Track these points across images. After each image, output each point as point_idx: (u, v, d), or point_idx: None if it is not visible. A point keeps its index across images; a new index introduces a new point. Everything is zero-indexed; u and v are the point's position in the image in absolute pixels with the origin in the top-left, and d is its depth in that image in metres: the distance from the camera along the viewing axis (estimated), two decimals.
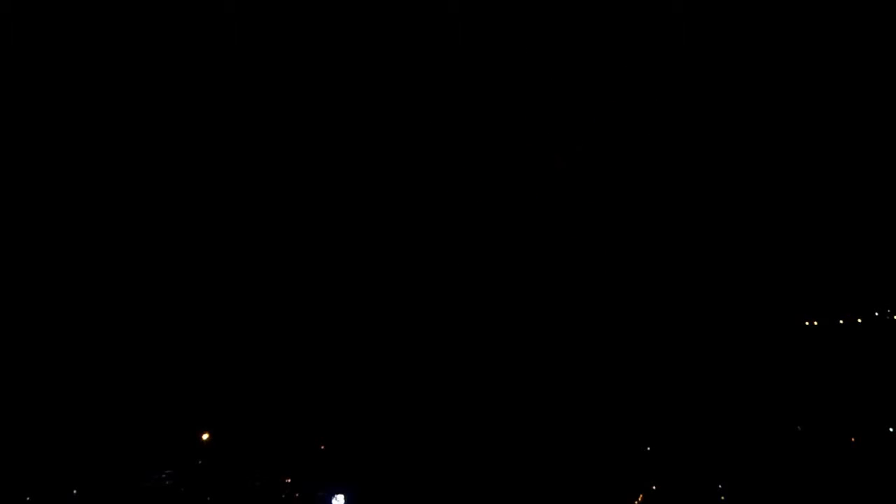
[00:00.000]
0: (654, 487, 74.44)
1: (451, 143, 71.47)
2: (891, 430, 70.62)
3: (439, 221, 73.10)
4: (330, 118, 72.13)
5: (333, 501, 70.97)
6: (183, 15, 67.92)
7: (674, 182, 71.74)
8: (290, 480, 71.20)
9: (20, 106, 66.37)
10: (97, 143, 69.53)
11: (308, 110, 72.14)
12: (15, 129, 66.78)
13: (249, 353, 71.07)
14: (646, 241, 72.02)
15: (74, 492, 64.94)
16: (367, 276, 73.92)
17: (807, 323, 75.56)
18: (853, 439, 71.79)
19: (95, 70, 68.33)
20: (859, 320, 74.58)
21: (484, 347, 72.48)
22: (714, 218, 72.76)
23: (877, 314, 74.63)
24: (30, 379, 66.19)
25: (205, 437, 69.28)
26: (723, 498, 72.19)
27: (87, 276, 69.56)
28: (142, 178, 70.75)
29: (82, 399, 67.13)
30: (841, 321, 74.97)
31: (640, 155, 70.99)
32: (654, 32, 68.88)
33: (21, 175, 67.44)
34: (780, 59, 70.44)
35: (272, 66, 69.80)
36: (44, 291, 68.23)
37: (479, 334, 72.73)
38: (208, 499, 68.40)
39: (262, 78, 69.87)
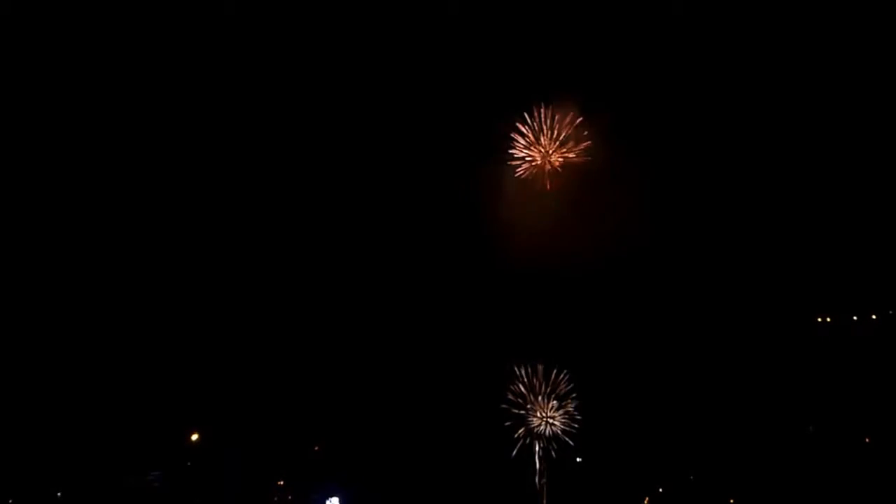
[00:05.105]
0: (660, 490, 73.62)
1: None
2: None
3: (431, 228, 72.68)
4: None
5: None
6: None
7: (691, 183, 70.89)
8: (282, 483, 70.22)
9: (20, 106, 67.02)
10: (96, 143, 69.52)
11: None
12: (15, 129, 67.16)
13: (241, 352, 69.69)
14: (665, 240, 70.84)
15: (59, 494, 64.09)
16: (363, 282, 73.00)
17: (819, 319, 73.70)
18: (867, 439, 69.82)
19: (96, 70, 69.09)
20: (874, 316, 72.54)
21: (482, 350, 71.41)
22: (732, 217, 71.65)
23: (891, 312, 72.68)
24: (16, 381, 65.08)
25: (194, 437, 68.27)
26: (732, 501, 70.89)
27: (76, 277, 68.77)
28: (134, 182, 70.44)
29: (68, 400, 66.00)
30: (855, 317, 73.05)
31: (652, 155, 70.05)
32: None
33: (20, 175, 67.46)
34: (788, 61, 70.11)
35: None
36: (31, 294, 67.42)
37: (476, 337, 71.71)
38: (197, 502, 67.40)
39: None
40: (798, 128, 70.25)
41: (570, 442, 68.39)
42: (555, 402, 69.01)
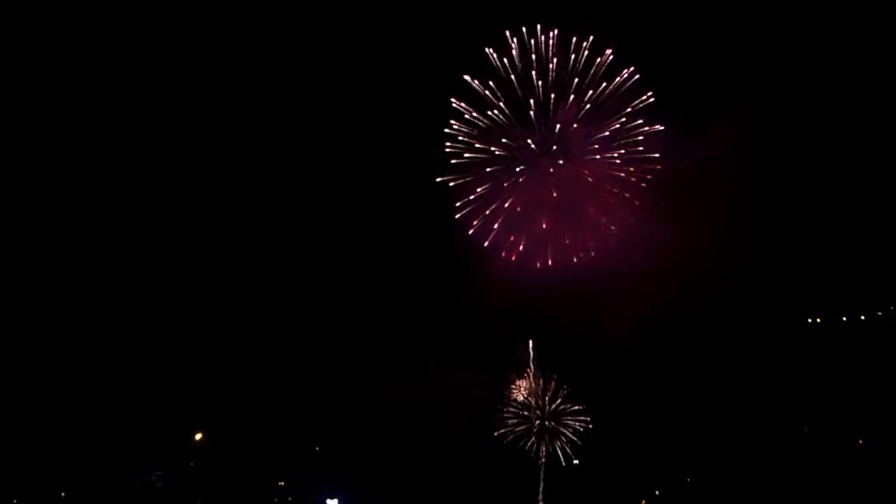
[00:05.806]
0: (656, 492, 73.86)
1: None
2: None
3: (431, 229, 73.29)
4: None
5: None
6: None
7: (686, 183, 71.45)
8: (283, 483, 70.31)
9: (20, 106, 67.26)
10: (96, 143, 70.09)
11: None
12: (15, 129, 67.40)
13: (243, 354, 70.41)
14: (661, 241, 71.32)
15: (63, 494, 64.12)
16: (363, 285, 73.69)
17: (809, 320, 74.69)
18: (861, 441, 70.48)
19: (96, 70, 69.33)
20: (862, 317, 73.50)
21: (481, 351, 71.81)
22: (727, 217, 72.07)
23: (880, 313, 73.66)
24: (20, 381, 65.58)
25: (197, 437, 68.47)
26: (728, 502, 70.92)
27: (80, 279, 69.40)
28: (136, 182, 71.00)
29: (71, 400, 66.43)
30: (844, 318, 73.79)
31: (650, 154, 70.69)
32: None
33: (20, 175, 67.92)
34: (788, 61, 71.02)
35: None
36: (34, 295, 68.01)
37: (476, 339, 72.19)
38: (199, 502, 67.38)
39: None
40: (795, 128, 71.28)
41: (569, 449, 68.67)
42: (553, 404, 69.42)
